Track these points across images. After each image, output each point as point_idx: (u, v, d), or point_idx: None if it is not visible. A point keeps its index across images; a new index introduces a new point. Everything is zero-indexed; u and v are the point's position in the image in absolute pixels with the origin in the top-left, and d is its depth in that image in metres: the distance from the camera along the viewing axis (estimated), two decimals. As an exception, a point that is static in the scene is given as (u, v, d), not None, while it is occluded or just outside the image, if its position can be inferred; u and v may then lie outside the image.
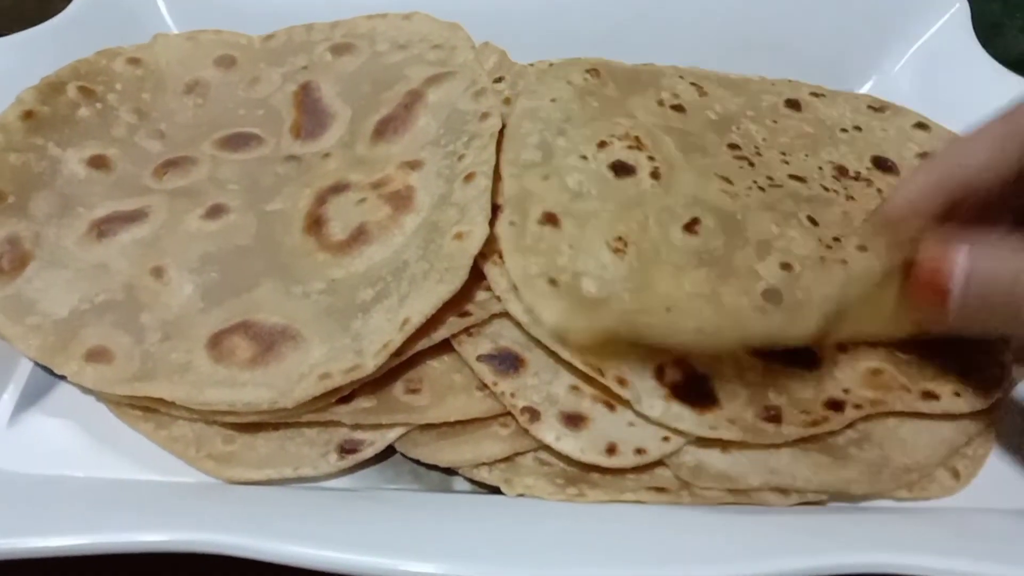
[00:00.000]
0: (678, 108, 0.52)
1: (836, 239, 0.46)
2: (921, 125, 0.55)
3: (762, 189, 0.48)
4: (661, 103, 0.52)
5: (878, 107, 0.57)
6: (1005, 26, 0.73)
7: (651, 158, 0.46)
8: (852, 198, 0.49)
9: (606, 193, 0.44)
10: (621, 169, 0.45)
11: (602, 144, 0.47)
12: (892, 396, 0.41)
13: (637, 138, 0.47)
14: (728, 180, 0.47)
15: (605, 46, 0.58)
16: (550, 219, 0.42)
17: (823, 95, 0.57)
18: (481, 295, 0.43)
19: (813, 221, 0.46)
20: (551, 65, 0.53)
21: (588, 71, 0.52)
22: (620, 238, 0.42)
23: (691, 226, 0.44)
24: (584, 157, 0.46)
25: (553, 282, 0.39)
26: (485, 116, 0.47)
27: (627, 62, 0.59)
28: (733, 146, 0.50)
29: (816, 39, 0.65)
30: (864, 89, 0.65)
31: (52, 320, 0.42)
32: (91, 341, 0.41)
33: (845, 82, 0.65)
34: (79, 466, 0.40)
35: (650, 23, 0.64)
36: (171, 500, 0.37)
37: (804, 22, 0.65)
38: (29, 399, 0.43)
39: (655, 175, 0.45)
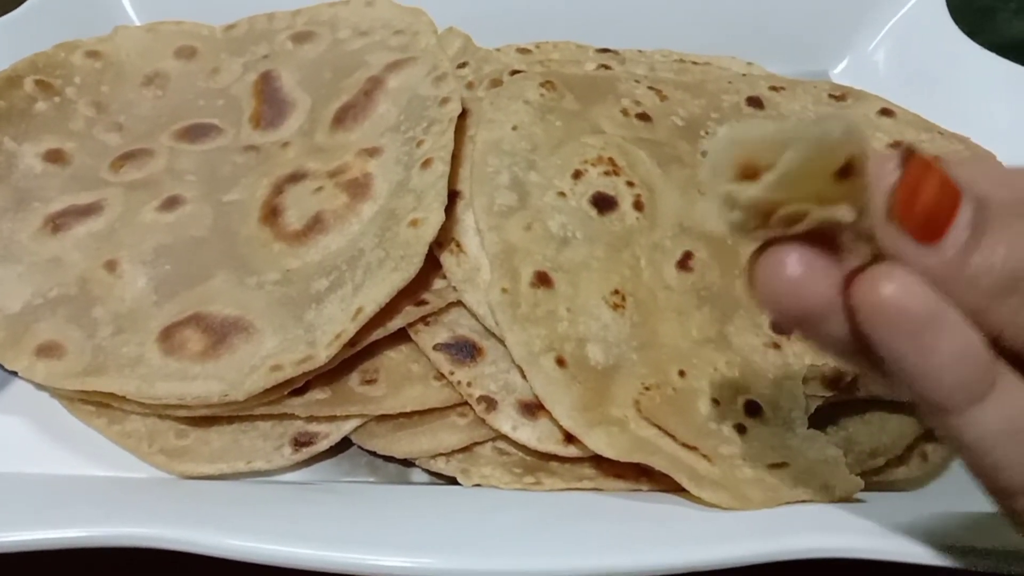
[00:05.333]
0: (643, 117, 0.50)
1: None
2: (885, 111, 0.54)
3: None
4: (625, 112, 0.50)
5: (839, 95, 0.55)
6: (998, 10, 0.72)
7: (630, 183, 0.45)
8: None
9: (592, 234, 0.43)
10: (603, 203, 0.44)
11: (577, 174, 0.45)
12: (864, 380, 0.40)
13: (611, 160, 0.45)
14: None
15: (571, 28, 0.57)
16: (542, 279, 0.40)
17: (782, 88, 0.55)
18: (438, 283, 0.43)
19: None
20: (504, 83, 0.50)
21: (543, 84, 0.49)
22: (616, 291, 0.41)
23: (684, 262, 0.43)
24: (562, 194, 0.44)
25: (560, 362, 0.37)
26: (445, 101, 0.46)
27: (596, 44, 0.58)
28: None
29: (790, 19, 0.64)
30: (840, 68, 0.64)
31: (4, 315, 0.41)
32: (43, 336, 0.40)
33: (820, 62, 0.64)
34: (31, 463, 0.40)
35: (620, 2, 0.63)
36: (121, 496, 0.37)
37: (779, 2, 0.64)
38: (-18, 396, 0.43)
39: (638, 205, 0.44)
